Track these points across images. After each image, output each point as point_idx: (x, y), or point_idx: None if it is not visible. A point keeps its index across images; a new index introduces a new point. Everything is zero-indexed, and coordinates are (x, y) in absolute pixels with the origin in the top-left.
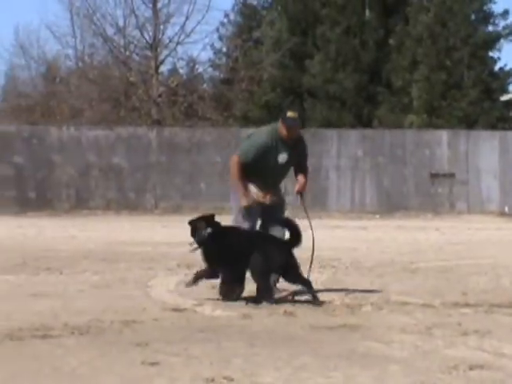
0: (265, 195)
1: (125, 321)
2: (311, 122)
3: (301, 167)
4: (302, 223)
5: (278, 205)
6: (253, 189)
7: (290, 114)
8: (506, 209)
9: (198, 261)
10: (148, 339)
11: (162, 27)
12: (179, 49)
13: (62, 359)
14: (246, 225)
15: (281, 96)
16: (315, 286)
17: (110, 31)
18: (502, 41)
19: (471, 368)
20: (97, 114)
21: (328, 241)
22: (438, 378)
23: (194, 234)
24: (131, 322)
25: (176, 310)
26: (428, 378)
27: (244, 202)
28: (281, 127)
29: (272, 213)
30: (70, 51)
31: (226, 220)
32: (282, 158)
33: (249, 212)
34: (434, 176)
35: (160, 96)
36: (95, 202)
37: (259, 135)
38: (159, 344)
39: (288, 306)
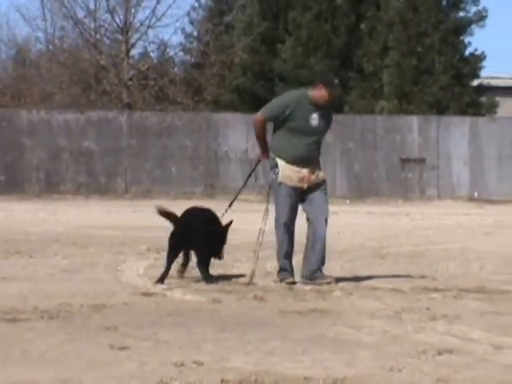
0: (301, 178)
1: (94, 305)
2: None
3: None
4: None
5: (318, 185)
6: (287, 170)
7: (336, 80)
8: (476, 194)
9: (166, 245)
10: (117, 323)
11: (132, 11)
12: (150, 32)
13: (31, 343)
14: (280, 205)
15: (252, 80)
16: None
17: (81, 14)
18: (472, 26)
19: (440, 353)
20: (67, 97)
21: (300, 225)
22: (407, 363)
23: None
24: (101, 306)
25: (146, 294)
26: (397, 363)
27: (261, 158)
28: (321, 92)
29: (311, 194)
30: (40, 34)
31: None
32: (314, 119)
33: (280, 193)
34: (405, 161)
35: (131, 80)
36: (65, 185)
37: (285, 94)
38: (129, 328)
39: (258, 291)
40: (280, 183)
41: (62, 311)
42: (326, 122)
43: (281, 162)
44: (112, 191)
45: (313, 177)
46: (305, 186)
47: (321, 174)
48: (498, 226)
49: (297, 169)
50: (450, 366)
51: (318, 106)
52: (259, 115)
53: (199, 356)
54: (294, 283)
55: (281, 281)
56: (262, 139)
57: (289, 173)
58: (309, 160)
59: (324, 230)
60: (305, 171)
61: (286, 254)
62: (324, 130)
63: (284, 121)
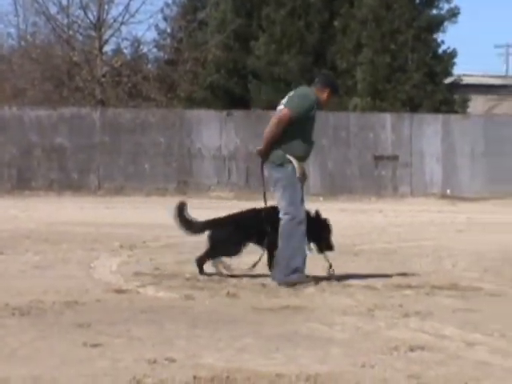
0: (305, 175)
1: (67, 302)
2: (256, 103)
3: None
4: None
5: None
6: (299, 167)
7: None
8: (448, 191)
9: (139, 242)
10: (90, 320)
11: (106, 7)
12: (123, 29)
13: (3, 340)
14: (299, 201)
15: (225, 77)
16: (258, 267)
17: (53, 10)
18: (445, 23)
19: (412, 349)
20: (39, 93)
21: None
22: (379, 359)
23: None
24: (73, 303)
25: (119, 291)
26: (369, 359)
27: (261, 152)
28: (327, 95)
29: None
30: (13, 30)
31: (167, 201)
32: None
33: (297, 187)
34: (378, 159)
35: (104, 76)
36: (37, 182)
37: (306, 93)
38: (101, 325)
39: (231, 288)
40: (298, 178)
41: (33, 308)
42: None
43: (293, 159)
44: (85, 188)
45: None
46: (304, 182)
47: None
48: (470, 224)
49: (303, 166)
50: (423, 363)
51: (318, 107)
52: (288, 111)
53: (172, 353)
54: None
55: (294, 284)
56: (277, 140)
57: (300, 170)
58: (308, 156)
59: None
60: (304, 168)
61: (304, 254)
62: None
63: (305, 120)
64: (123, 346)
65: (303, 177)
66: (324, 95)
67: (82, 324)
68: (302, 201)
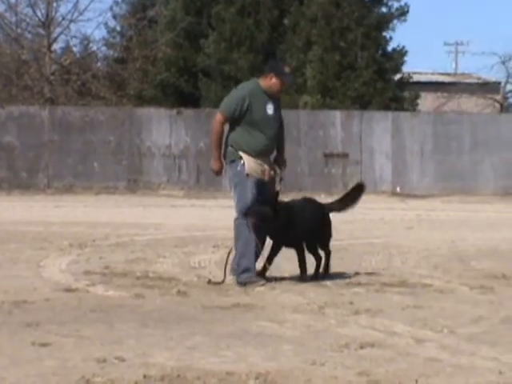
0: (263, 171)
1: (15, 301)
2: (206, 101)
3: (280, 133)
4: None
5: (271, 183)
6: (251, 163)
7: (287, 69)
8: (398, 189)
9: (89, 240)
10: (39, 320)
11: (54, 5)
12: (72, 27)
13: None
14: (248, 198)
15: (175, 75)
16: (208, 266)
17: (1, 8)
18: (395, 21)
19: (362, 346)
20: None
21: (223, 220)
22: (330, 357)
23: None
24: (22, 303)
25: (68, 290)
26: (319, 357)
27: (213, 166)
28: (273, 82)
29: (265, 188)
30: None
31: (118, 199)
32: (270, 109)
33: (247, 184)
34: (328, 156)
35: (53, 74)
36: None
37: (238, 88)
38: (50, 325)
39: (181, 286)
40: (247, 175)
41: None
42: (279, 112)
43: (244, 155)
44: (34, 187)
45: (271, 172)
46: (266, 178)
47: (273, 172)
48: (419, 221)
49: (259, 161)
50: (372, 360)
51: (270, 96)
52: (219, 115)
53: (121, 352)
54: (264, 285)
55: (245, 284)
56: (219, 143)
57: (253, 165)
58: (269, 153)
59: None
60: (266, 165)
61: (256, 253)
62: (279, 121)
63: (243, 114)
64: (72, 346)
65: (262, 173)
66: (270, 82)
67: (30, 323)
68: (264, 197)
